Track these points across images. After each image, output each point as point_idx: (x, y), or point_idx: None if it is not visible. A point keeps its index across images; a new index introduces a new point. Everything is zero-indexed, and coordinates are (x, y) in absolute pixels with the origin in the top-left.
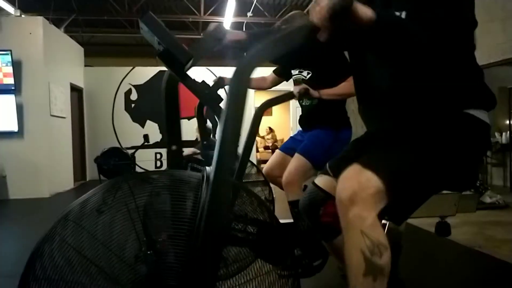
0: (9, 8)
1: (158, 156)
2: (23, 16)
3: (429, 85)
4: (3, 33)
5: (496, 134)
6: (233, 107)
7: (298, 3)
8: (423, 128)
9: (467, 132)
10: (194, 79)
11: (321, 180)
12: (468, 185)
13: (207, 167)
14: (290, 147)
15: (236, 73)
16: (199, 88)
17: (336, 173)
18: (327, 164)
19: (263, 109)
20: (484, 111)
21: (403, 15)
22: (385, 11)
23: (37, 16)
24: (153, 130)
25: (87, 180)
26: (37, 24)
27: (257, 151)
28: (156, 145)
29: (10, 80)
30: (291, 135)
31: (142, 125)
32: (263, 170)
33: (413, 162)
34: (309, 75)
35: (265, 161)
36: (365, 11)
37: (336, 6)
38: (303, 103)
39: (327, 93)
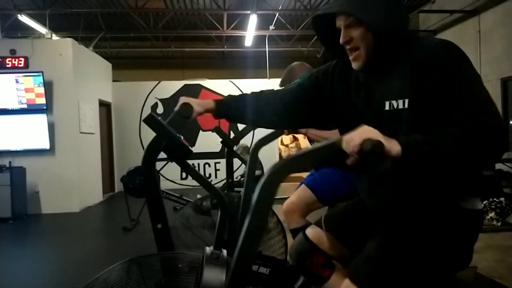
0: (41, 29)
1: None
2: (53, 38)
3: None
4: (35, 55)
5: None
6: (257, 214)
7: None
8: (416, 227)
9: (458, 228)
10: (194, 168)
11: (312, 232)
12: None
13: (207, 248)
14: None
15: (265, 182)
16: (202, 178)
17: (328, 228)
18: (322, 216)
19: (258, 149)
20: (476, 198)
21: (406, 103)
22: (412, 139)
23: (66, 37)
24: None
25: (115, 191)
26: (67, 46)
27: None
28: None
29: (42, 100)
30: None
31: None
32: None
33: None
34: None
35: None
36: (392, 146)
37: (366, 148)
38: (314, 143)
39: (314, 133)
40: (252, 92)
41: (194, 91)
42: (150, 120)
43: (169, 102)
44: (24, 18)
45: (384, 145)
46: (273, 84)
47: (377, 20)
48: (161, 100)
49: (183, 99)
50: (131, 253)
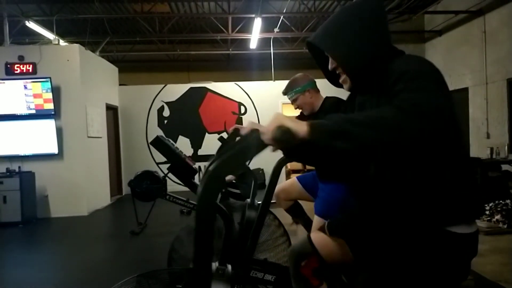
0: (48, 35)
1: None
2: (61, 43)
3: (409, 202)
4: (43, 61)
5: None
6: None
7: (319, 22)
8: (406, 250)
9: (446, 253)
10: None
11: (316, 236)
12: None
13: (212, 263)
14: (306, 182)
15: (207, 182)
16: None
17: (332, 232)
18: (326, 222)
19: (281, 166)
20: (467, 224)
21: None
22: (321, 120)
23: (73, 42)
24: (185, 145)
25: (123, 194)
26: (74, 51)
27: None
28: None
29: (50, 106)
30: None
31: (175, 140)
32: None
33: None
34: None
35: (295, 171)
36: (300, 128)
37: (277, 135)
38: None
39: None
40: None
41: (200, 94)
42: (157, 143)
43: (175, 105)
44: (31, 25)
45: (290, 128)
46: (278, 86)
47: (345, 57)
48: (167, 103)
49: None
50: (140, 258)
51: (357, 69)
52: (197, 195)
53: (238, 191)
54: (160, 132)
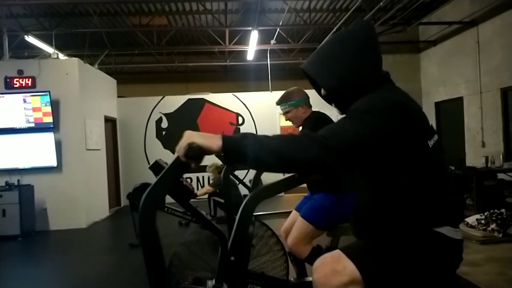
0: (47, 49)
1: (188, 181)
2: (60, 57)
3: (398, 205)
4: (42, 75)
5: None
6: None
7: (315, 33)
8: (397, 245)
9: (434, 250)
10: (196, 208)
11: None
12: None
13: (208, 282)
14: (301, 207)
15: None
16: (203, 217)
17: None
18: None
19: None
20: (451, 228)
21: None
22: (235, 134)
23: (72, 55)
24: None
25: (122, 206)
26: (73, 65)
27: None
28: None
29: (49, 119)
30: None
31: (173, 152)
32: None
33: (389, 271)
34: None
35: None
36: (213, 142)
37: (188, 152)
38: None
39: None
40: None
41: (198, 105)
42: (155, 167)
43: (173, 116)
44: (31, 39)
45: (200, 145)
46: (276, 96)
47: (330, 85)
48: (165, 114)
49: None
50: (138, 271)
51: (343, 100)
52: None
53: (222, 200)
54: (159, 143)
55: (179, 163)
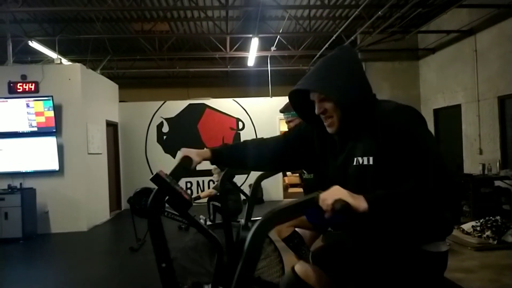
0: (51, 54)
1: (189, 185)
2: (63, 63)
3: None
4: (45, 80)
5: None
6: (250, 259)
7: (315, 41)
8: (386, 266)
9: (421, 269)
10: (194, 217)
11: (300, 268)
12: None
13: (205, 286)
14: None
15: (255, 229)
16: (201, 226)
17: (315, 262)
18: (310, 252)
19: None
20: (439, 241)
21: (371, 160)
22: (376, 196)
23: (75, 60)
24: None
25: (122, 209)
26: (76, 70)
27: (285, 175)
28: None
29: (52, 123)
30: None
31: (174, 156)
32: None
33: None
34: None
35: (293, 185)
36: (360, 204)
37: (336, 207)
38: (305, 177)
39: None
40: (245, 141)
41: (199, 110)
42: (157, 179)
43: (174, 121)
44: (34, 44)
45: (351, 204)
46: (276, 102)
47: (342, 98)
48: (166, 119)
49: (183, 152)
50: (139, 275)
51: (353, 111)
52: (247, 240)
53: (219, 204)
54: (159, 147)
55: (317, 207)
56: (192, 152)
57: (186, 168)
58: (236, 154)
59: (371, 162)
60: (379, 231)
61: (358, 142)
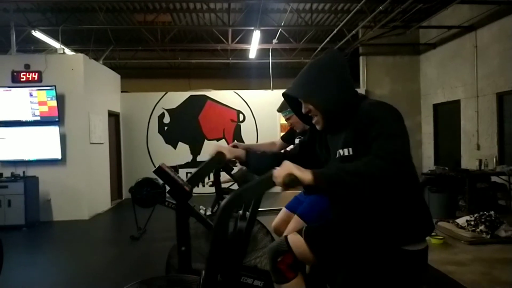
0: (54, 44)
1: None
2: (66, 53)
3: (371, 225)
4: (48, 70)
5: None
6: (218, 233)
7: (317, 34)
8: (368, 266)
9: (402, 269)
10: (193, 207)
11: (292, 237)
12: None
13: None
14: (293, 207)
15: (223, 207)
16: (201, 216)
17: (306, 238)
18: (304, 227)
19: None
20: (421, 241)
21: (351, 150)
22: (323, 169)
23: (78, 50)
24: (184, 151)
25: (123, 198)
26: (79, 60)
27: None
28: (187, 165)
29: (55, 113)
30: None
31: (174, 147)
32: (272, 225)
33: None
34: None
35: None
36: (305, 176)
37: (285, 181)
38: None
39: None
40: (274, 153)
41: (200, 102)
42: (159, 171)
43: (175, 112)
44: (37, 34)
45: (298, 176)
46: (276, 94)
47: (320, 102)
48: (168, 110)
49: (217, 147)
50: (139, 263)
51: (333, 112)
52: (214, 220)
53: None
54: (160, 138)
55: (270, 185)
56: (224, 149)
57: (220, 163)
58: (264, 166)
59: (351, 153)
60: (362, 224)
61: (341, 136)
